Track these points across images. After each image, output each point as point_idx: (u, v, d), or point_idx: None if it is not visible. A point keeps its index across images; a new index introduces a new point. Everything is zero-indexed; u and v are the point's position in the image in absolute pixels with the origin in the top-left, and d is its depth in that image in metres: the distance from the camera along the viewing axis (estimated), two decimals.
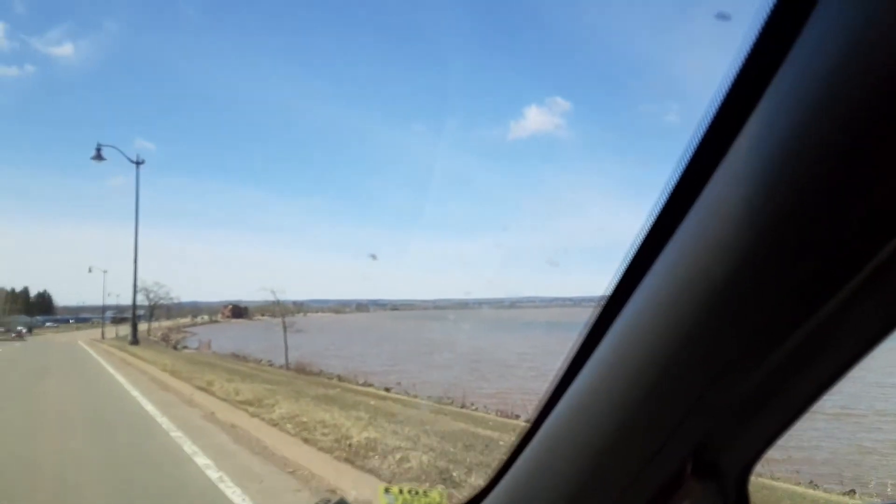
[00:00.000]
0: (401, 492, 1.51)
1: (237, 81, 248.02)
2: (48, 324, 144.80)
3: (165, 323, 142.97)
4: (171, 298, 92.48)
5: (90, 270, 55.14)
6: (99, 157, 26.52)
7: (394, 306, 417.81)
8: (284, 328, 42.18)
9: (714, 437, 0.81)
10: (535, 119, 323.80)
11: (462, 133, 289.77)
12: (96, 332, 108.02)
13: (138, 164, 26.67)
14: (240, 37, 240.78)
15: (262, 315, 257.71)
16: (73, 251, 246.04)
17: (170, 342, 76.01)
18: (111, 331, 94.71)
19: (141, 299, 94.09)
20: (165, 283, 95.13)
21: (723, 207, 0.53)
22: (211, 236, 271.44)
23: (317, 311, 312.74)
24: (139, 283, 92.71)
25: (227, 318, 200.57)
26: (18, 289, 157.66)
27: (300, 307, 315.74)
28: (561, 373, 0.99)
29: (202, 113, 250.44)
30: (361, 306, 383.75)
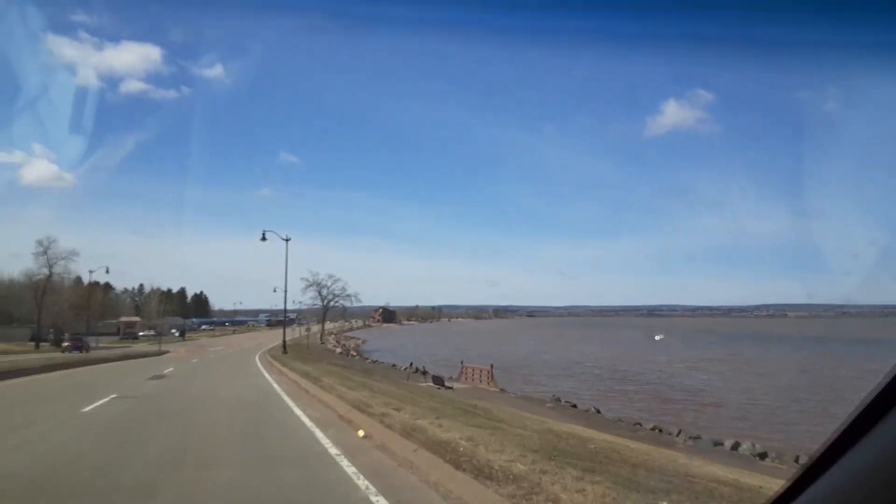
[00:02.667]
0: None
1: (374, 96, 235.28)
2: (203, 326, 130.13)
3: (327, 326, 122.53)
4: (348, 296, 68.62)
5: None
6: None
7: (529, 313, 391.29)
8: None
9: None
10: (674, 114, 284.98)
11: (595, 133, 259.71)
12: (260, 337, 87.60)
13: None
14: (376, 53, 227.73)
15: (410, 319, 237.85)
16: (228, 258, 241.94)
17: (364, 358, 51.31)
18: (271, 335, 73.24)
19: (311, 297, 72.56)
20: (340, 277, 71.85)
21: None
22: (351, 244, 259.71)
23: (457, 317, 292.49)
24: (309, 277, 70.65)
25: (378, 323, 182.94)
26: (175, 290, 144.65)
27: (438, 312, 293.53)
28: (875, 394, 0.91)
29: (342, 127, 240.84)
30: (499, 312, 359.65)
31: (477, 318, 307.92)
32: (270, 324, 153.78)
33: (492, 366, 25.34)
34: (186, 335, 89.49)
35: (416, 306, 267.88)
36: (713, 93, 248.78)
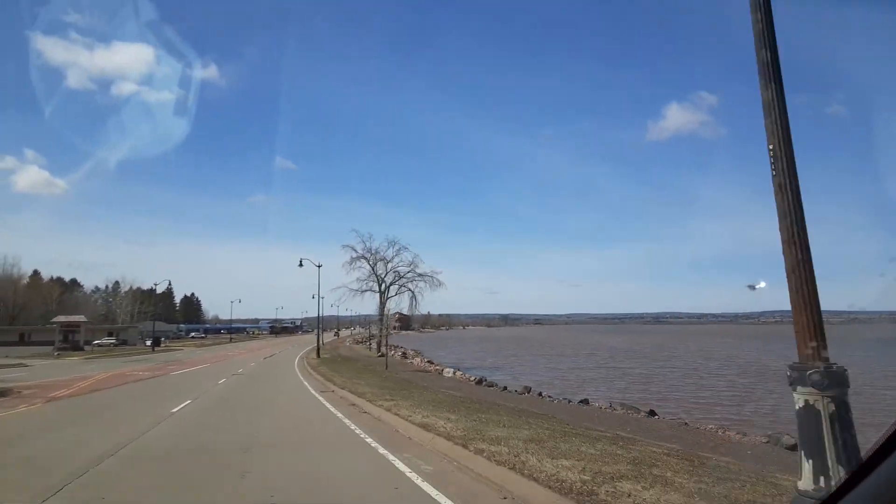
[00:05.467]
0: None
1: (372, 104, 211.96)
2: (193, 334, 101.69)
3: (347, 333, 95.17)
4: (421, 276, 42.15)
5: None
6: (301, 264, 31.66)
7: (536, 321, 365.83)
8: None
9: None
10: (677, 118, 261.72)
11: (595, 137, 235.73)
12: (269, 346, 59.63)
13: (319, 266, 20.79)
14: (372, 58, 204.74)
15: (424, 327, 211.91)
16: (223, 264, 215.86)
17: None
18: (282, 344, 46.47)
19: (358, 278, 44.85)
20: (407, 245, 45.27)
21: None
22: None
23: (468, 325, 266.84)
24: (355, 244, 42.91)
25: (396, 331, 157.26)
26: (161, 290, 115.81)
27: (449, 319, 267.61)
28: None
29: (340, 134, 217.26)
30: (510, 320, 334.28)
31: (489, 325, 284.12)
32: (275, 331, 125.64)
33: None
34: (164, 343, 61.64)
35: (429, 314, 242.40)
36: (716, 95, 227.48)
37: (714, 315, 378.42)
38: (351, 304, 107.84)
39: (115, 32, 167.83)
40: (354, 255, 43.54)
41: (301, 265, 35.36)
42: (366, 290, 43.05)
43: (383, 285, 42.69)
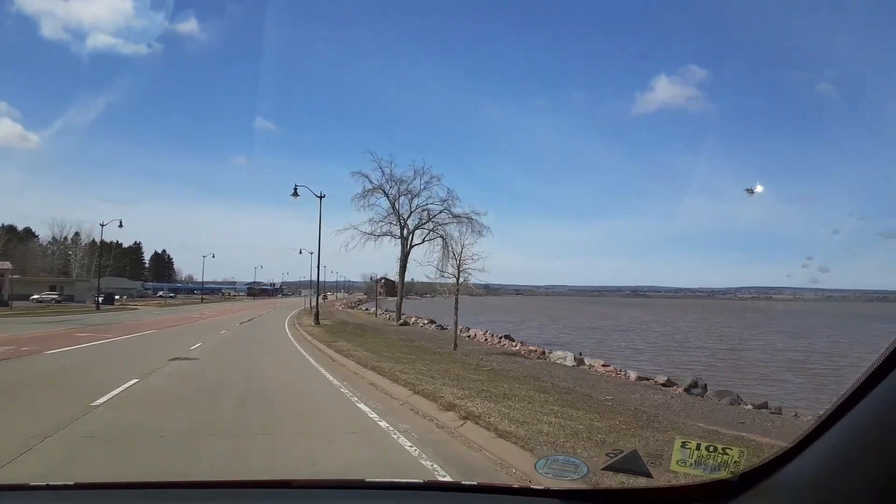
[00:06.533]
0: (698, 447, 1.42)
1: (354, 63, 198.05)
2: (160, 293, 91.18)
3: (332, 297, 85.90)
4: (458, 217, 32.52)
5: None
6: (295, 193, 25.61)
7: (517, 291, 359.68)
8: None
9: None
10: (665, 90, 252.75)
11: (585, 108, 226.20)
12: (246, 309, 49.36)
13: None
14: (358, 18, 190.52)
15: (407, 294, 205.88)
16: (200, 225, 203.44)
17: None
18: (262, 308, 37.65)
19: (370, 218, 33.65)
20: (440, 174, 35.07)
21: None
22: (327, 218, 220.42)
23: (450, 293, 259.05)
24: (370, 173, 32.73)
25: (381, 297, 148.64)
26: (128, 245, 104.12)
27: (431, 287, 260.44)
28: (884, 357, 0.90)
29: (324, 98, 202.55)
30: (491, 290, 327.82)
31: (471, 294, 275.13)
32: (253, 293, 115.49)
33: None
34: (121, 301, 51.43)
35: (412, 280, 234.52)
36: (706, 69, 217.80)
37: (691, 290, 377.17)
38: (360, 253, 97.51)
39: None
40: (368, 186, 33.50)
41: (296, 194, 25.96)
42: (382, 234, 32.94)
43: (405, 230, 32.77)
